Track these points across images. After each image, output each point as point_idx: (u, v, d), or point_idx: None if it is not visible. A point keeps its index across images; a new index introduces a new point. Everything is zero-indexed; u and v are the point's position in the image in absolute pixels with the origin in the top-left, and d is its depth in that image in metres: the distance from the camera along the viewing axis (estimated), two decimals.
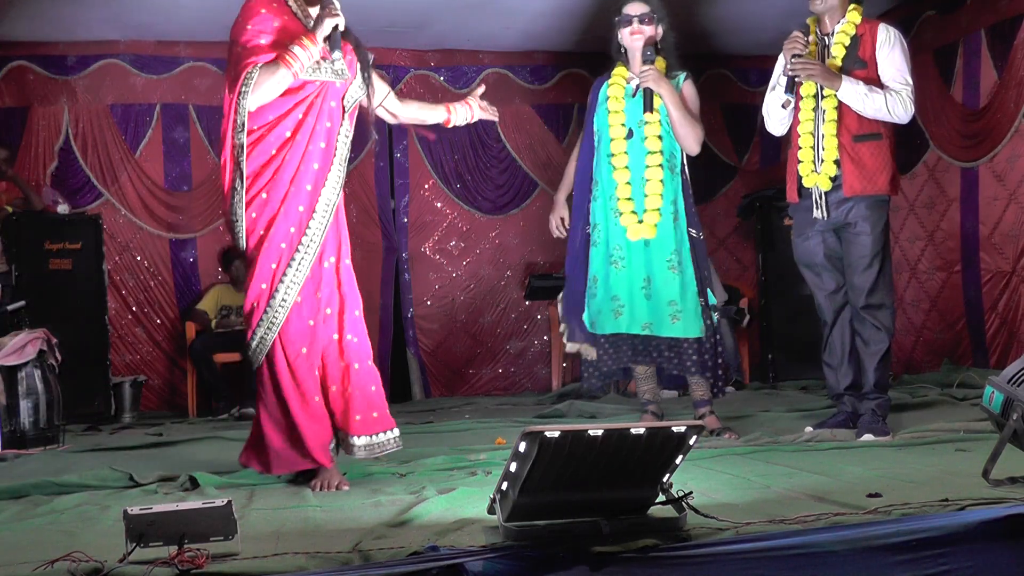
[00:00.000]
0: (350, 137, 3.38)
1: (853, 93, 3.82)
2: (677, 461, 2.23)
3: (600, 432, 2.09)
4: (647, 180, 4.15)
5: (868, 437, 3.82)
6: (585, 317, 4.27)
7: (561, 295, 4.45)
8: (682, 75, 4.20)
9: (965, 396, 5.10)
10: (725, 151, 7.96)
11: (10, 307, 5.50)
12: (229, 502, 2.13)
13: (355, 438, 3.27)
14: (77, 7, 6.34)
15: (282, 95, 3.20)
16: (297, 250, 3.20)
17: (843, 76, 3.83)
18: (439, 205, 7.67)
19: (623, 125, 4.20)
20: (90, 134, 7.03)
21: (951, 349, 6.65)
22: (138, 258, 7.12)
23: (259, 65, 3.13)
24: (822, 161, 3.90)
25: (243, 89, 3.12)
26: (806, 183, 3.95)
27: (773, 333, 7.22)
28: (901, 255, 7.02)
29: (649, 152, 4.16)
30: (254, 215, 3.20)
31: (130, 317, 7.06)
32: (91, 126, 7.03)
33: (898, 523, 2.20)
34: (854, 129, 3.87)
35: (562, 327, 4.40)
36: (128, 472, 3.45)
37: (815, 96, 3.94)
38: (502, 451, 3.74)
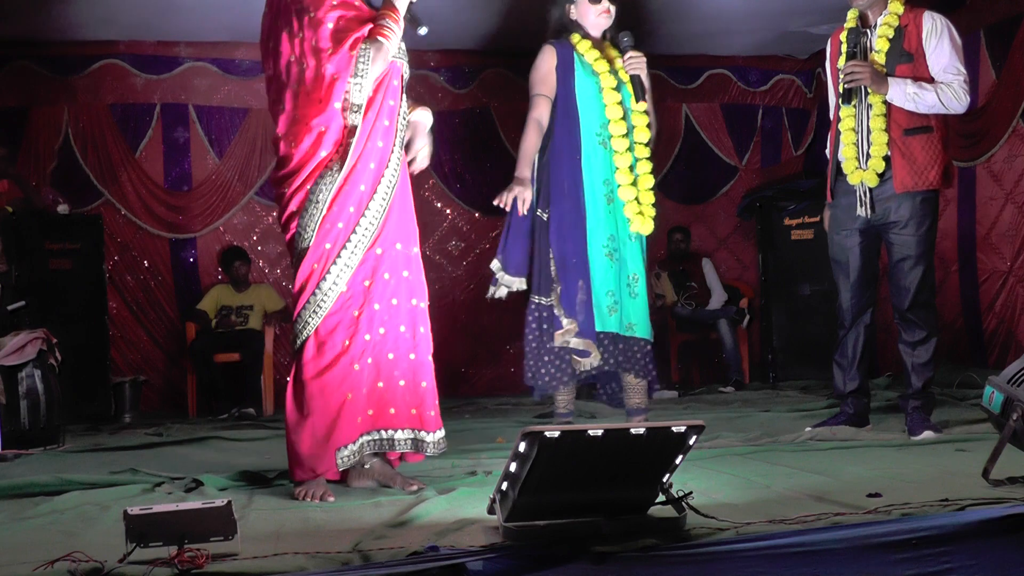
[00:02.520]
0: (407, 116, 3.24)
1: (902, 95, 3.71)
2: (677, 461, 2.23)
3: (600, 432, 2.08)
4: (639, 174, 3.96)
5: (928, 434, 3.77)
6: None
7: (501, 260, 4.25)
8: None
9: (965, 396, 5.11)
10: (725, 151, 7.94)
11: (10, 307, 5.49)
12: (229, 502, 2.13)
13: (427, 433, 3.14)
14: (77, 7, 6.34)
15: None
16: (355, 231, 3.03)
17: (889, 79, 3.73)
18: (439, 205, 7.67)
19: (619, 104, 3.95)
20: (90, 134, 7.03)
21: (949, 349, 6.64)
22: (138, 258, 7.12)
23: (367, 40, 3.01)
24: (868, 157, 3.79)
25: (361, 69, 2.98)
26: (851, 180, 3.83)
27: (773, 333, 7.22)
28: None
29: (640, 143, 3.98)
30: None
31: (130, 317, 7.06)
32: (91, 126, 7.03)
33: (898, 523, 2.20)
34: (904, 123, 3.75)
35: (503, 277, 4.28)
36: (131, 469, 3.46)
37: (857, 91, 3.82)
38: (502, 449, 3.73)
